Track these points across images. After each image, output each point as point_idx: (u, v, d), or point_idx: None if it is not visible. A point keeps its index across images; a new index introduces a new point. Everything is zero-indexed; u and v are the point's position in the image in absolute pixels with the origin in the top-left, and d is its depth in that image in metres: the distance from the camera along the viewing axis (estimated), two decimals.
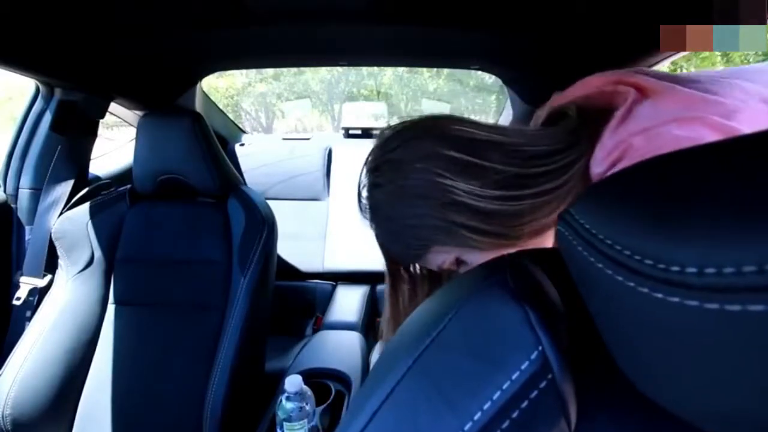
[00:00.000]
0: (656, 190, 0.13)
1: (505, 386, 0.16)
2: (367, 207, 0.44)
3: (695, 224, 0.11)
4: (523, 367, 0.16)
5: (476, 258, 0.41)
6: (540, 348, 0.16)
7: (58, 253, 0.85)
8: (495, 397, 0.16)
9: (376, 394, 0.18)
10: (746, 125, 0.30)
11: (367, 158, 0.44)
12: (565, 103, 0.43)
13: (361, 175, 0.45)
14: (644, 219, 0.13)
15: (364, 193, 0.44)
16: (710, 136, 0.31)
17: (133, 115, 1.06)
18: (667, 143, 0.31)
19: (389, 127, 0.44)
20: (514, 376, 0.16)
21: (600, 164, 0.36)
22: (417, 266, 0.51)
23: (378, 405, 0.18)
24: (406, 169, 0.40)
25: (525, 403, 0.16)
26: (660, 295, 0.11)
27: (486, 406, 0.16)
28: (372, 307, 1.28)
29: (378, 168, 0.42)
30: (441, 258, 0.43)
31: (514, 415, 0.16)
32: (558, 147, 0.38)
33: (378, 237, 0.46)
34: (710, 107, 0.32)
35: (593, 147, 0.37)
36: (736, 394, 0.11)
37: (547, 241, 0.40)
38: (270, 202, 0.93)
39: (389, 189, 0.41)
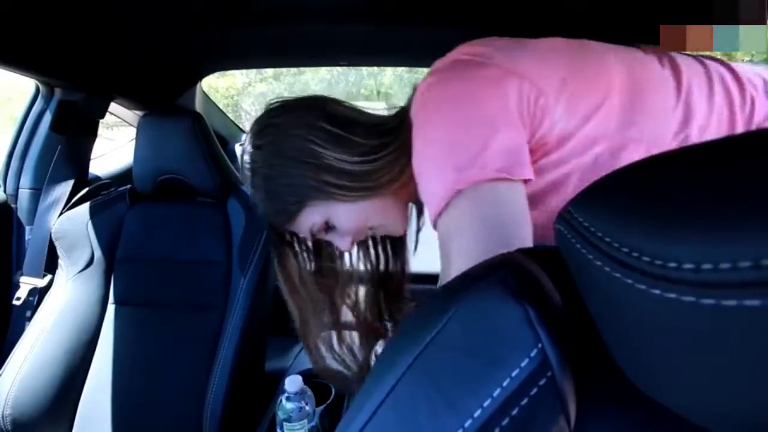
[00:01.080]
0: (654, 188, 0.13)
1: (505, 383, 0.16)
2: (248, 169, 0.50)
3: (692, 221, 0.11)
4: (523, 364, 0.16)
5: (344, 218, 0.50)
6: (540, 346, 0.16)
7: (58, 253, 0.85)
8: (495, 394, 0.16)
9: (376, 393, 0.18)
10: None
11: (253, 125, 0.51)
12: None
13: (245, 140, 0.51)
14: (642, 216, 0.13)
15: (246, 157, 0.50)
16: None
17: (133, 115, 1.05)
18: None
19: (277, 99, 0.51)
20: (514, 374, 0.16)
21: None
22: (298, 240, 0.58)
23: (378, 403, 0.18)
24: (286, 134, 0.47)
25: (525, 401, 0.16)
26: (657, 292, 0.11)
27: (486, 404, 0.16)
28: None
29: (261, 131, 0.49)
30: (312, 219, 0.49)
31: (514, 412, 0.16)
32: (397, 122, 0.49)
33: (255, 197, 0.51)
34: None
35: None
36: (733, 390, 0.11)
37: (404, 189, 0.50)
38: None
39: (270, 150, 0.48)
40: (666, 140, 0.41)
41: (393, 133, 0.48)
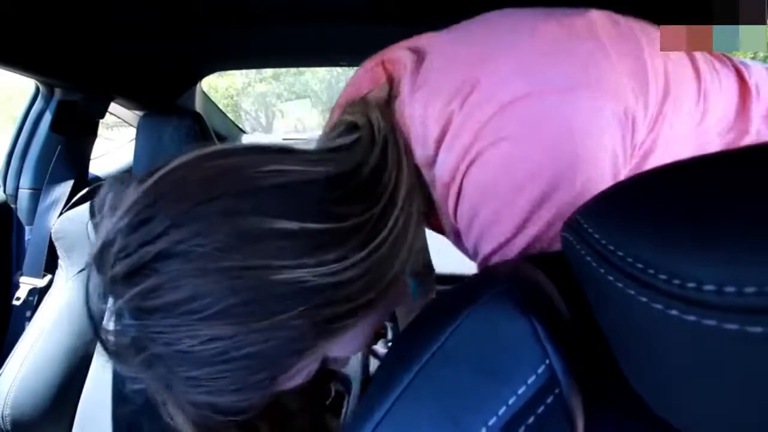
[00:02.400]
0: (673, 200, 0.13)
1: (510, 401, 0.16)
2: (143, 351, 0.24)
3: (715, 239, 0.11)
4: (529, 381, 0.16)
5: (345, 347, 0.29)
6: (547, 362, 0.16)
7: (58, 253, 0.84)
8: (500, 412, 0.16)
9: (377, 409, 0.18)
10: None
11: (100, 243, 0.25)
12: (344, 110, 0.33)
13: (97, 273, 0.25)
14: (659, 230, 0.12)
15: (109, 327, 0.25)
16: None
17: (133, 115, 1.05)
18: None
19: (144, 177, 0.26)
20: (520, 391, 0.16)
21: (424, 147, 0.29)
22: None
23: (379, 420, 0.18)
24: (186, 276, 0.22)
25: (531, 419, 0.15)
26: (675, 313, 0.11)
27: (491, 422, 0.16)
28: None
29: (134, 276, 0.23)
30: (303, 374, 0.28)
31: (520, 431, 0.15)
32: (378, 164, 0.29)
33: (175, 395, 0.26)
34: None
35: (399, 134, 0.30)
36: (753, 419, 0.11)
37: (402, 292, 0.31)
38: None
39: (170, 318, 0.23)
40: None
41: (374, 187, 0.28)
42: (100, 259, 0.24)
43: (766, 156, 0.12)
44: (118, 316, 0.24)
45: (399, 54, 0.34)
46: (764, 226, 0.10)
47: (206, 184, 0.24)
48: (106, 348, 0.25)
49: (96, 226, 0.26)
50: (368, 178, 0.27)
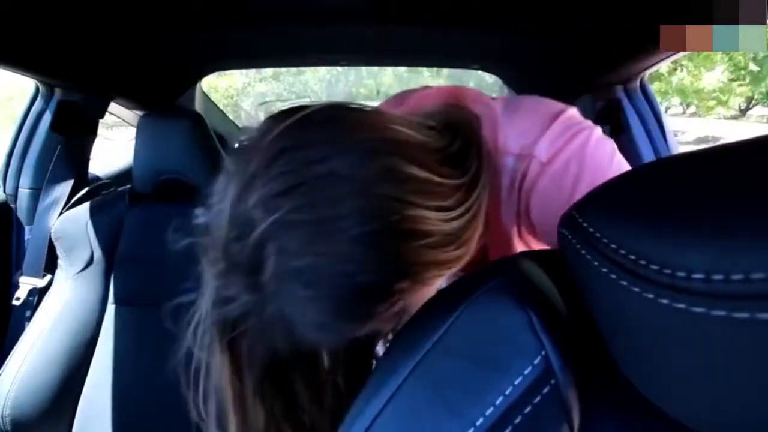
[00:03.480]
0: (664, 193, 0.13)
1: (507, 391, 0.16)
2: (264, 261, 0.25)
3: (703, 229, 0.11)
4: (526, 372, 0.16)
5: (418, 298, 0.29)
6: (543, 353, 0.16)
7: (58, 253, 0.84)
8: (497, 402, 0.16)
9: (377, 399, 0.18)
10: None
11: (251, 171, 0.26)
12: (431, 112, 0.37)
13: (238, 204, 0.26)
14: (650, 223, 0.12)
15: (253, 238, 0.25)
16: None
17: (133, 115, 1.05)
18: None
19: (284, 116, 0.27)
20: (516, 382, 0.16)
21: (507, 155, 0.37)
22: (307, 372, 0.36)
23: (378, 410, 0.18)
24: (349, 196, 0.25)
25: (528, 409, 0.16)
26: (665, 301, 0.11)
27: (488, 412, 0.16)
28: None
29: (292, 191, 0.25)
30: (389, 317, 0.29)
31: (517, 420, 0.16)
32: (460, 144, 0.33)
33: (281, 308, 0.27)
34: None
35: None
36: (744, 402, 0.11)
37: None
38: None
39: (317, 230, 0.25)
40: None
41: (464, 161, 0.32)
42: (264, 171, 0.26)
43: (754, 150, 0.12)
44: (250, 230, 0.25)
45: (475, 97, 0.41)
46: (749, 215, 0.10)
47: (355, 124, 0.28)
48: (227, 260, 0.27)
49: (242, 150, 0.29)
50: (458, 152, 0.32)
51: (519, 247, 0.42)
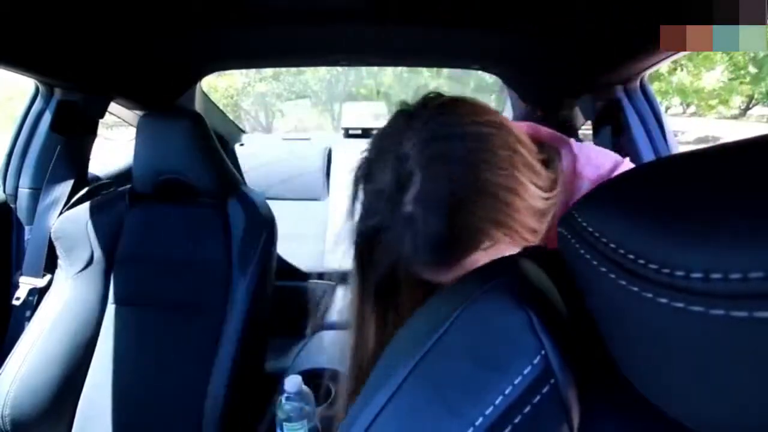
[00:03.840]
0: (662, 193, 0.13)
1: (507, 391, 0.16)
2: (409, 186, 0.35)
3: (701, 229, 0.11)
4: (525, 371, 0.16)
5: (491, 255, 0.37)
6: (543, 352, 0.16)
7: (58, 253, 0.84)
8: (497, 402, 0.16)
9: (377, 399, 0.18)
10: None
11: (432, 119, 0.37)
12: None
13: (399, 145, 0.37)
14: (649, 222, 0.12)
15: (406, 168, 0.35)
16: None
17: (133, 115, 1.05)
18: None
19: (449, 95, 0.40)
20: (516, 381, 0.16)
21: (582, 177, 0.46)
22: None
23: (378, 410, 0.18)
24: (492, 152, 0.36)
25: (527, 409, 0.16)
26: (664, 301, 0.11)
27: (488, 412, 0.16)
28: None
29: (441, 139, 0.36)
30: (476, 263, 0.37)
31: (516, 420, 0.16)
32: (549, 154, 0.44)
33: (400, 215, 0.36)
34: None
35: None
36: (743, 402, 0.11)
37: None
38: (270, 202, 0.93)
39: (463, 165, 0.35)
40: None
41: (550, 166, 0.41)
42: (422, 126, 0.36)
43: (753, 150, 0.12)
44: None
45: (550, 132, 0.49)
46: (748, 215, 0.10)
47: (487, 109, 0.39)
48: (380, 184, 0.37)
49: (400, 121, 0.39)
50: (546, 159, 0.41)
51: None
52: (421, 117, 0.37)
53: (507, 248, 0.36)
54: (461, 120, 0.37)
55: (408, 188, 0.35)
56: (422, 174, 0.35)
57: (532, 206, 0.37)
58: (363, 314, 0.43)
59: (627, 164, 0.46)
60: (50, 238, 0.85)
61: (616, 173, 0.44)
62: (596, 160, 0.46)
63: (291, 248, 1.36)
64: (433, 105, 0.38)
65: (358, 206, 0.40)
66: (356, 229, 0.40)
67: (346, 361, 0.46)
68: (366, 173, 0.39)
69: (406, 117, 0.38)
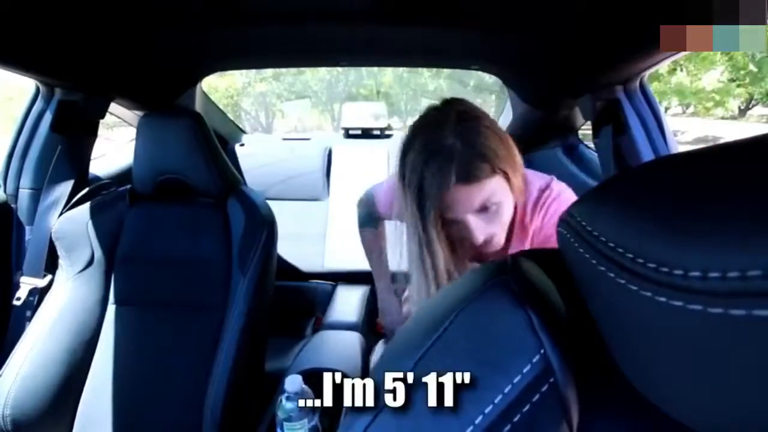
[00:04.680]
0: (660, 192, 0.13)
1: (507, 390, 0.16)
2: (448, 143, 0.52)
3: (700, 228, 0.11)
4: (525, 370, 0.16)
5: (509, 210, 0.56)
6: (542, 351, 0.16)
7: (58, 253, 0.85)
8: (497, 400, 0.16)
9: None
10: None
11: (455, 107, 0.56)
12: None
13: (436, 128, 0.54)
14: (648, 222, 0.13)
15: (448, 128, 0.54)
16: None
17: (133, 115, 1.05)
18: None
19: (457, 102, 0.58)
20: (515, 380, 0.16)
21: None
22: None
23: (379, 408, 0.18)
24: (488, 130, 0.54)
25: (527, 407, 0.16)
26: (663, 299, 0.11)
27: (487, 410, 0.16)
28: (372, 308, 1.28)
29: (471, 118, 0.54)
30: (492, 190, 0.53)
31: (516, 418, 0.16)
32: None
33: (440, 142, 0.52)
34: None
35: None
36: (740, 400, 0.11)
37: None
38: (270, 202, 0.93)
39: (491, 123, 0.55)
40: None
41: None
42: (456, 115, 0.54)
43: (752, 149, 0.12)
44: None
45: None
46: (746, 214, 0.10)
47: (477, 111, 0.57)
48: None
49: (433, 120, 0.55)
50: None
51: (527, 246, 0.65)
52: (452, 104, 0.55)
53: (506, 196, 0.54)
54: (475, 112, 0.55)
55: (447, 134, 0.52)
56: (457, 128, 0.52)
57: (522, 173, 0.56)
58: (428, 234, 0.55)
59: (557, 181, 0.63)
60: (51, 238, 0.85)
61: (555, 182, 0.62)
62: (537, 181, 0.63)
63: (291, 248, 1.37)
64: (457, 102, 0.57)
65: (408, 162, 0.54)
66: (409, 169, 0.54)
67: (414, 273, 0.58)
68: (413, 135, 0.55)
69: (436, 107, 0.57)
